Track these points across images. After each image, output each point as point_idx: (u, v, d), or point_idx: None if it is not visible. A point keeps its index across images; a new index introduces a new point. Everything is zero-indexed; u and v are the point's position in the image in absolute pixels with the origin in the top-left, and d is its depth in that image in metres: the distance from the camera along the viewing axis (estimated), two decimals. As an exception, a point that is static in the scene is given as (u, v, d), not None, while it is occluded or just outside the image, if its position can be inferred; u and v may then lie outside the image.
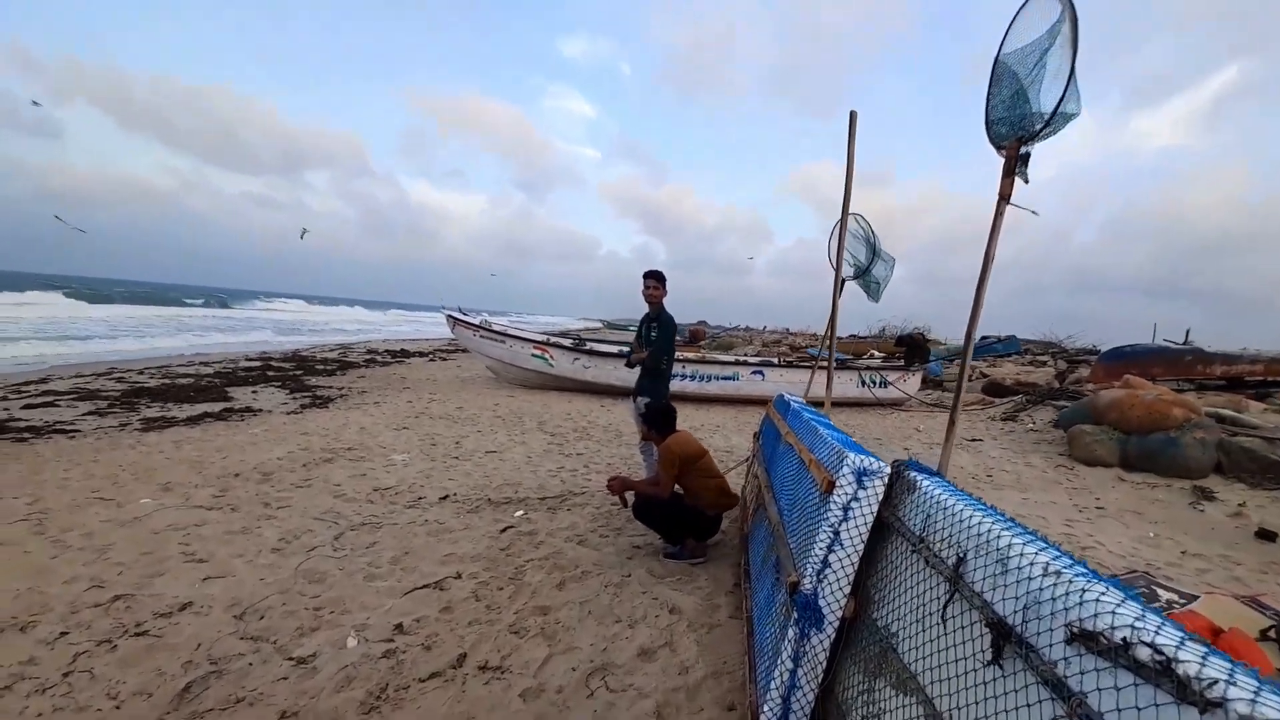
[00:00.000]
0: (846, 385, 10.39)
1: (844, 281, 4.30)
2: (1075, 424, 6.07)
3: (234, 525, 3.65)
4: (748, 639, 2.35)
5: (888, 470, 1.85)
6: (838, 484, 1.87)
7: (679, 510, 3.32)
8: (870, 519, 1.83)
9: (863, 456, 1.88)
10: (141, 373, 10.05)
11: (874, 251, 4.14)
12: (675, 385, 10.22)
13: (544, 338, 11.06)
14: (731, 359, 12.44)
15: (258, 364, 12.41)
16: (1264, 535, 4.08)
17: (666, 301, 4.30)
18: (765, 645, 2.11)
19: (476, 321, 11.08)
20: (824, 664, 1.82)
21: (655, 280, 4.13)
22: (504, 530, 3.77)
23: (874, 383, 10.04)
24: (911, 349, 10.42)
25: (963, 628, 1.27)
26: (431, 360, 16.31)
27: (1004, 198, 2.38)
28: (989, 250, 2.42)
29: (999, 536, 1.23)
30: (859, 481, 1.84)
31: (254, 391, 9.14)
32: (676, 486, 3.37)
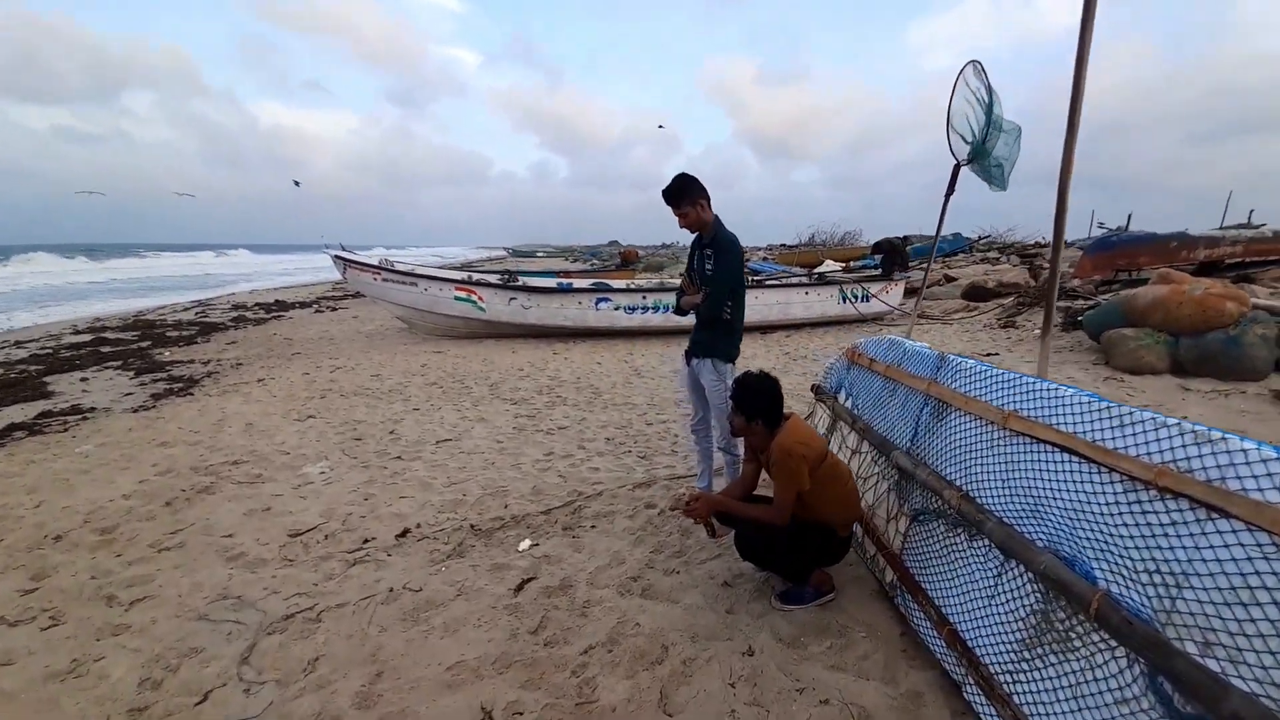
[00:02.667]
0: (827, 302, 9.53)
1: (959, 166, 3.16)
2: (1107, 328, 5.56)
3: (58, 658, 2.09)
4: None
5: None
6: None
7: (808, 539, 2.19)
8: None
9: None
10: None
11: (989, 120, 2.97)
12: (610, 318, 8.88)
13: (466, 276, 9.22)
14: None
15: (88, 338, 9.65)
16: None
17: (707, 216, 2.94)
18: None
19: (374, 263, 8.99)
20: None
21: (687, 197, 2.74)
22: (520, 588, 2.48)
23: (855, 297, 9.28)
24: (889, 255, 9.71)
25: None
26: (319, 311, 13.81)
27: None
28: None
29: None
30: None
31: (84, 379, 6.84)
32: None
